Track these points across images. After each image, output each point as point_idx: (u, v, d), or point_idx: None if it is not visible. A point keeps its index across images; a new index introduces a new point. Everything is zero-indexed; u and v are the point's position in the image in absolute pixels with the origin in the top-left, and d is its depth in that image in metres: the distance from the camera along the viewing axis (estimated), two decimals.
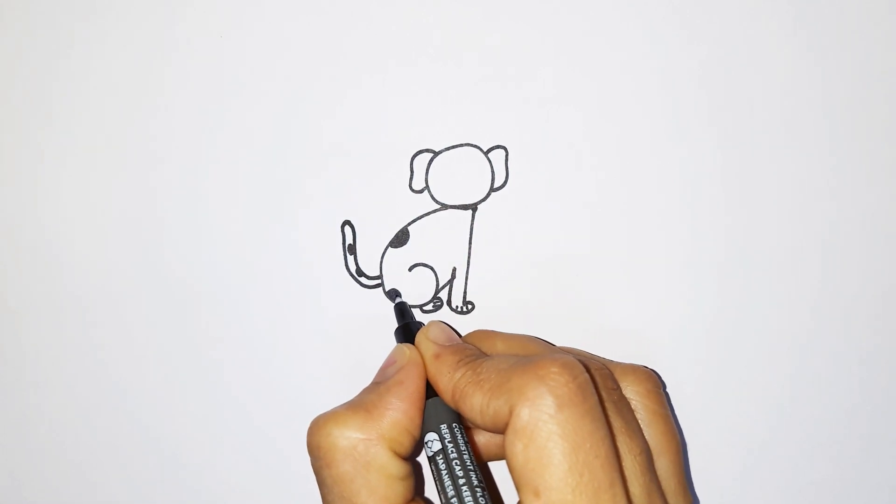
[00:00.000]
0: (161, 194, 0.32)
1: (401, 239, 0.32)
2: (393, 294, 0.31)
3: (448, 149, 0.31)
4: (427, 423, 0.26)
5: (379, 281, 0.32)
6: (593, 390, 0.24)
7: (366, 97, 0.31)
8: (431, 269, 0.32)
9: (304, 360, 0.32)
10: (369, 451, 0.25)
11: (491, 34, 0.31)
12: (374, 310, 0.32)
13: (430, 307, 0.32)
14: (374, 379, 0.28)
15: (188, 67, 0.31)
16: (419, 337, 0.28)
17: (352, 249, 0.32)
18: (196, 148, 0.31)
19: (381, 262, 0.32)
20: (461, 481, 0.25)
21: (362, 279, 0.32)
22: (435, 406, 0.26)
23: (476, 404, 0.25)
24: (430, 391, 0.27)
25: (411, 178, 0.31)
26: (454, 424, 0.26)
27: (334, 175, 0.31)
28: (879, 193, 0.32)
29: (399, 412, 0.26)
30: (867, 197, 0.32)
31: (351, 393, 0.32)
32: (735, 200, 0.32)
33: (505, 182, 0.31)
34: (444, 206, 0.32)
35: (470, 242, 0.32)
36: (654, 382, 0.29)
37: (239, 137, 0.31)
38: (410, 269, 0.32)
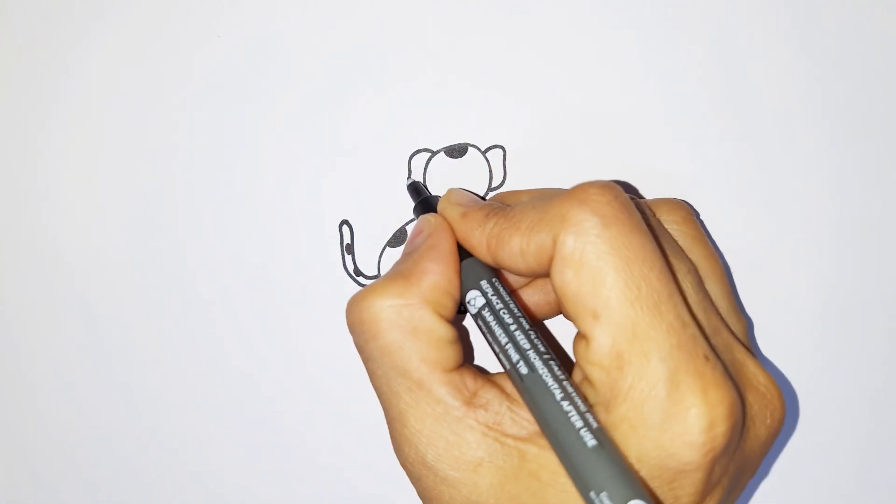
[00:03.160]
0: (159, 193, 0.31)
1: (399, 238, 0.32)
2: (408, 181, 0.31)
3: (446, 148, 0.31)
4: (466, 284, 0.25)
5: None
6: (636, 209, 0.23)
7: (363, 96, 0.31)
8: None
9: (301, 360, 0.32)
10: (414, 316, 0.24)
11: (490, 33, 0.31)
12: None
13: None
14: (404, 251, 0.27)
15: (187, 66, 0.31)
16: (441, 202, 0.27)
17: (349, 249, 0.31)
18: (194, 147, 0.31)
19: (380, 262, 0.32)
20: (512, 327, 0.24)
21: (360, 279, 0.32)
22: (471, 266, 0.26)
23: (515, 246, 0.23)
24: (463, 255, 0.26)
25: (409, 178, 0.31)
26: (493, 279, 0.25)
27: (332, 174, 0.31)
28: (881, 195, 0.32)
29: (437, 274, 0.24)
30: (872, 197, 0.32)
31: (349, 393, 0.32)
32: (737, 201, 0.32)
33: (503, 181, 0.31)
34: None
35: None
36: (688, 210, 0.28)
37: (236, 137, 0.31)
38: None
